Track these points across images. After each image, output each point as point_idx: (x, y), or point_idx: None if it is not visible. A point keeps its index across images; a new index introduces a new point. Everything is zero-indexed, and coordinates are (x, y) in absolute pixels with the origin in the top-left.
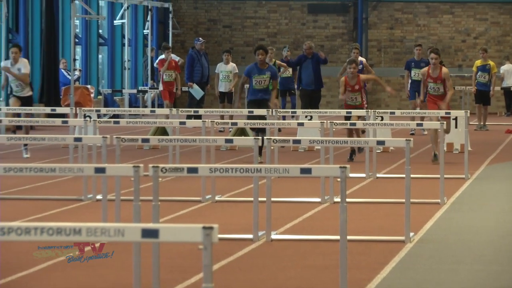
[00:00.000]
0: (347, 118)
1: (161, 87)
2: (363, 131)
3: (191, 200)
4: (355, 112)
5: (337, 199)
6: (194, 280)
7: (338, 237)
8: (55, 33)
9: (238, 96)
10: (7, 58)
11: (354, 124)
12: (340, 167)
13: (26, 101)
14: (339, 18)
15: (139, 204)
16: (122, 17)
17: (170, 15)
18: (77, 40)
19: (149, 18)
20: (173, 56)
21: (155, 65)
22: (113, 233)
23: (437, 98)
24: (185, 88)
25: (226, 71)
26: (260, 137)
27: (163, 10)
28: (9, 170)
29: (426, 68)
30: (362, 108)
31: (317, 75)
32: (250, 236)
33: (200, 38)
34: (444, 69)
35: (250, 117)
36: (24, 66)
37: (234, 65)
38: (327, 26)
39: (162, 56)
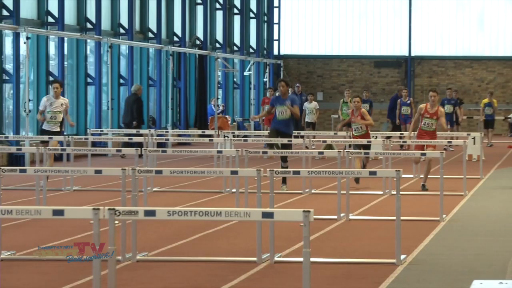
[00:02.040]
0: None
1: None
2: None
3: (294, 193)
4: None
5: (394, 192)
6: (297, 247)
7: (394, 218)
8: (205, 80)
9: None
10: (172, 98)
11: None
12: (396, 170)
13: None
14: (395, 70)
15: (260, 195)
16: (249, 70)
17: (281, 69)
18: (219, 85)
19: (267, 70)
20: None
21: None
22: (243, 215)
23: (427, 134)
24: None
25: (310, 107)
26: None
27: (277, 65)
28: (173, 172)
29: (424, 105)
30: (368, 137)
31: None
32: (335, 216)
33: (298, 84)
34: (441, 108)
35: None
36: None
37: (316, 103)
38: (387, 75)
39: (267, 95)
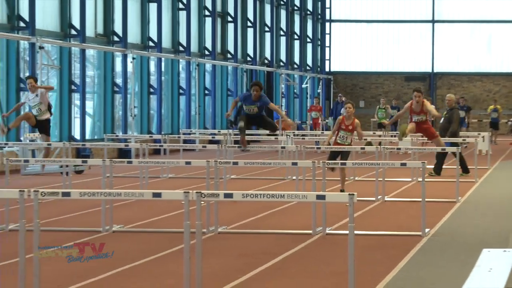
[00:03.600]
0: (333, 155)
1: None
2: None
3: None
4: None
5: (420, 179)
6: (343, 222)
7: (420, 199)
8: (271, 91)
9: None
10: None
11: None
12: (422, 162)
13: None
14: (421, 83)
15: (315, 182)
16: (306, 83)
17: (332, 82)
18: (283, 95)
19: (320, 83)
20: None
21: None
22: (301, 197)
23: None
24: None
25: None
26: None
27: (328, 79)
28: (247, 163)
29: (409, 104)
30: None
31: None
32: (373, 198)
33: (340, 94)
34: (426, 102)
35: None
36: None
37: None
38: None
39: (314, 103)
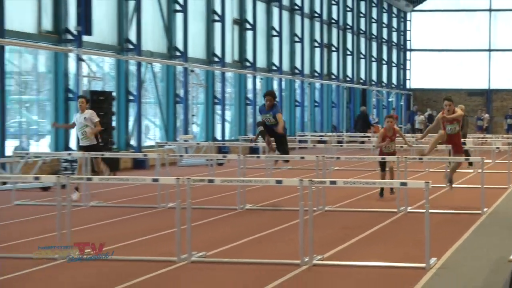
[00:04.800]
0: (382, 164)
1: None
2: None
3: (418, 171)
4: (389, 159)
5: (479, 170)
6: (421, 203)
7: (479, 186)
8: (365, 103)
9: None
10: (347, 114)
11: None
12: (481, 157)
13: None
14: (480, 98)
15: (399, 172)
16: (391, 97)
17: (411, 97)
18: (374, 106)
19: (402, 97)
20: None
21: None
22: (389, 183)
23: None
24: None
25: (419, 120)
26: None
27: (408, 95)
28: (346, 158)
29: (440, 115)
30: (395, 154)
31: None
32: (444, 185)
33: (416, 106)
34: (457, 109)
35: None
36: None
37: (422, 117)
38: (475, 100)
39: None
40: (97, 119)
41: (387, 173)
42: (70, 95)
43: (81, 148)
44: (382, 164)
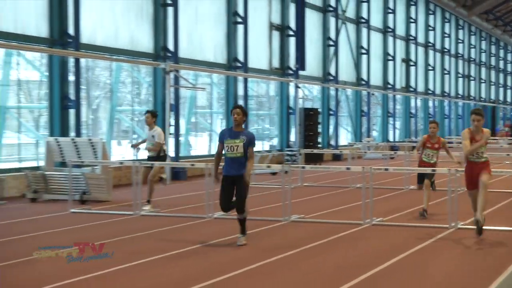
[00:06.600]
0: (420, 175)
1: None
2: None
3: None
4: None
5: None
6: (463, 190)
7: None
8: (494, 122)
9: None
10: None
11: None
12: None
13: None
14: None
15: (450, 186)
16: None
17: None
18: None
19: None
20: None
21: None
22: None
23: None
24: None
25: None
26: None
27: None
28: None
29: (467, 131)
30: (435, 167)
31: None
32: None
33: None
34: (486, 131)
35: None
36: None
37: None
38: None
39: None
40: (160, 142)
41: (424, 187)
42: (291, 111)
43: (149, 159)
44: (421, 176)
